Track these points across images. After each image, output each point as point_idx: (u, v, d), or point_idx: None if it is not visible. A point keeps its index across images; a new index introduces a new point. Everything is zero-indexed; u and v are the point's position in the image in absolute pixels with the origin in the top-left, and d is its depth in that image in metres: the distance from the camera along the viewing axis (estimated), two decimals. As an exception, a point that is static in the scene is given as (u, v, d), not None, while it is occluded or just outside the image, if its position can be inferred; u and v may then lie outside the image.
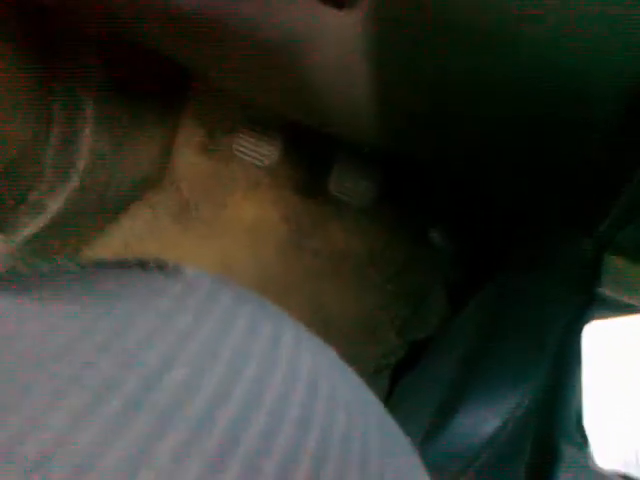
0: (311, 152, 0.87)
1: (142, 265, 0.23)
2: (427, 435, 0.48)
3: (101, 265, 0.24)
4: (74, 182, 0.85)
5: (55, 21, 0.77)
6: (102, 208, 0.90)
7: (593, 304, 0.50)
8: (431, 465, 0.25)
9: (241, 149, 0.91)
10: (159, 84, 0.92)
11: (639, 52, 0.35)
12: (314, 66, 0.39)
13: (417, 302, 0.82)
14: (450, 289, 0.83)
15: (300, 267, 0.88)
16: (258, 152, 0.90)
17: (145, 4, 0.39)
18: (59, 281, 0.23)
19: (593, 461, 0.46)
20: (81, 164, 0.85)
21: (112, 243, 0.91)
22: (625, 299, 0.50)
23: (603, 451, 0.45)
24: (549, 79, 0.35)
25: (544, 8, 0.32)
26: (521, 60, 0.36)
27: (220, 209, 0.93)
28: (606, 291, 0.51)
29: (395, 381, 0.67)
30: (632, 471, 0.45)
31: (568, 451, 0.45)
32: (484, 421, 0.47)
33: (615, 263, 0.52)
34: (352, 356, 0.84)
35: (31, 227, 0.80)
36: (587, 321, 0.47)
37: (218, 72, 0.53)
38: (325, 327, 0.83)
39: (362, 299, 0.82)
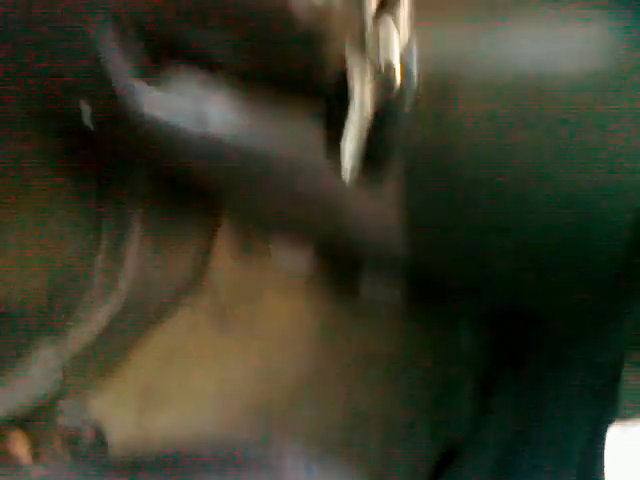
0: (343, 257, 0.92)
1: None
2: None
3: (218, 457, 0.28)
4: (121, 293, 0.90)
5: (105, 148, 0.84)
6: (146, 315, 0.95)
7: (615, 408, 0.53)
8: None
9: (275, 254, 0.97)
10: (197, 195, 0.98)
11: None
12: (349, 216, 0.44)
13: (448, 400, 0.85)
14: (480, 386, 0.85)
15: (333, 367, 0.91)
16: (292, 257, 0.95)
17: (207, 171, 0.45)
18: None
19: None
20: (127, 275, 0.90)
21: (155, 348, 0.95)
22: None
23: None
24: (559, 229, 0.40)
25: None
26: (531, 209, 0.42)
27: (256, 312, 0.98)
28: (626, 404, 0.53)
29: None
30: None
31: None
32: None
33: (635, 374, 0.55)
34: (387, 459, 0.86)
35: (81, 340, 0.85)
36: (609, 426, 0.50)
37: (255, 211, 0.59)
38: (359, 427, 0.85)
39: (395, 398, 0.85)
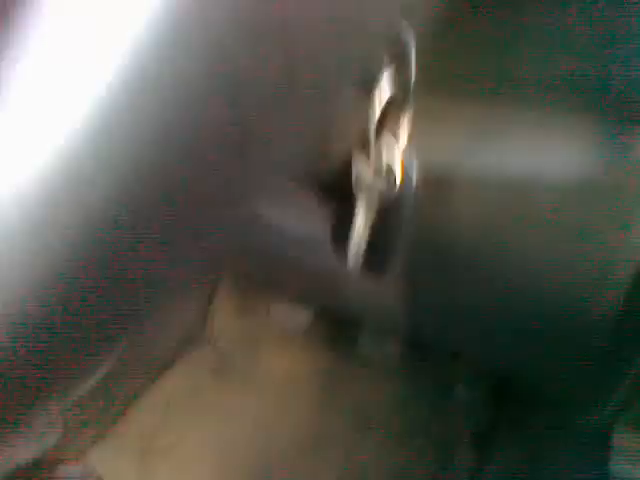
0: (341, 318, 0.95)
1: None
2: None
3: None
4: (122, 343, 0.91)
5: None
6: (146, 369, 0.96)
7: (608, 468, 0.55)
8: None
9: (275, 310, 0.99)
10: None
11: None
12: (350, 291, 0.47)
13: (446, 456, 0.86)
14: (478, 439, 0.87)
15: (331, 421, 0.92)
16: (291, 313, 0.97)
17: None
18: None
19: None
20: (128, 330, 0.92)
21: (154, 401, 0.96)
22: (638, 474, 0.54)
23: None
24: (548, 306, 0.43)
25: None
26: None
27: (255, 365, 0.99)
28: (618, 466, 0.55)
29: None
30: None
31: None
32: None
33: (626, 437, 0.57)
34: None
35: (82, 394, 0.86)
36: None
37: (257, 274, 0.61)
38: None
39: (393, 454, 0.87)
